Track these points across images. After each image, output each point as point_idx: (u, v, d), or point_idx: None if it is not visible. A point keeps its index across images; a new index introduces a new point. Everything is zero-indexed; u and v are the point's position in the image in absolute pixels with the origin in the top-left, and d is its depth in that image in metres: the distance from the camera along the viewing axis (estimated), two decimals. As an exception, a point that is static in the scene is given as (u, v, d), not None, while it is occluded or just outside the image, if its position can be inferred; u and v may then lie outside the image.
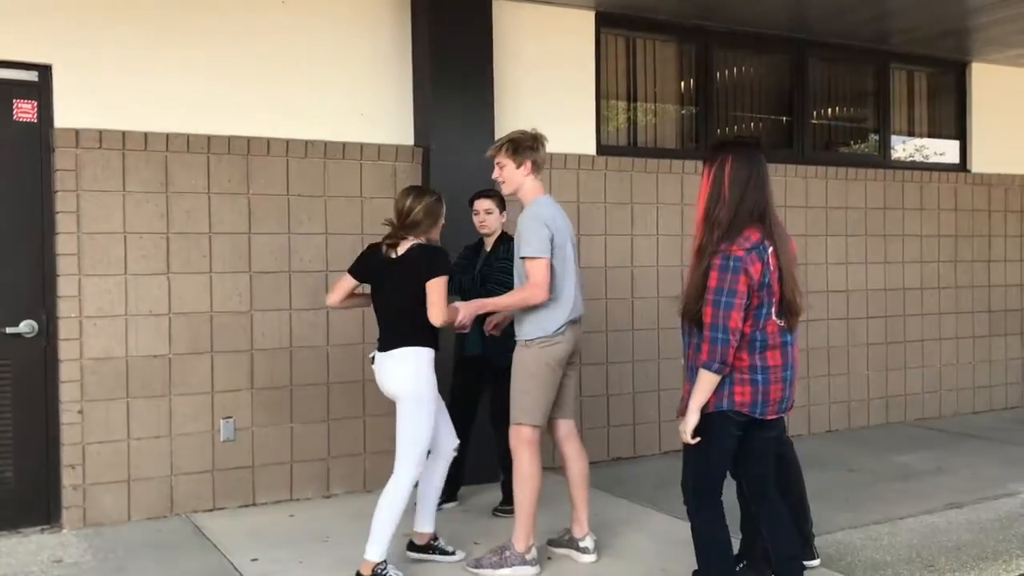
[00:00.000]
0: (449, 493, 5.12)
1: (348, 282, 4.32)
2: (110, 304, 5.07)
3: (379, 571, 3.98)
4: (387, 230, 4.26)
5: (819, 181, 7.36)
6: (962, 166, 8.25)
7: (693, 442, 3.29)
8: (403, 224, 4.14)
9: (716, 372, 3.22)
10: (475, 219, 5.15)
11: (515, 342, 4.33)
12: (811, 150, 7.49)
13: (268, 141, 5.42)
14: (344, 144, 5.62)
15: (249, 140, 5.38)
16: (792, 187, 7.22)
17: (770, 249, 3.26)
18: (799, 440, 7.03)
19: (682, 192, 6.76)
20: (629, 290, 6.57)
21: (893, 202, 7.74)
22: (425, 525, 4.41)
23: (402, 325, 4.09)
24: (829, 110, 7.82)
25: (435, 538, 4.43)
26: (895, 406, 7.77)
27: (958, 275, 8.13)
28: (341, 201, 5.63)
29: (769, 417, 3.35)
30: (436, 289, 4.01)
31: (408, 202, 4.16)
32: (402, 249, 4.14)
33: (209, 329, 5.30)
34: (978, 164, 8.26)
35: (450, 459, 4.40)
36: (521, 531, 4.19)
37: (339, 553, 4.49)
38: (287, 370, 5.49)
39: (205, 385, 5.30)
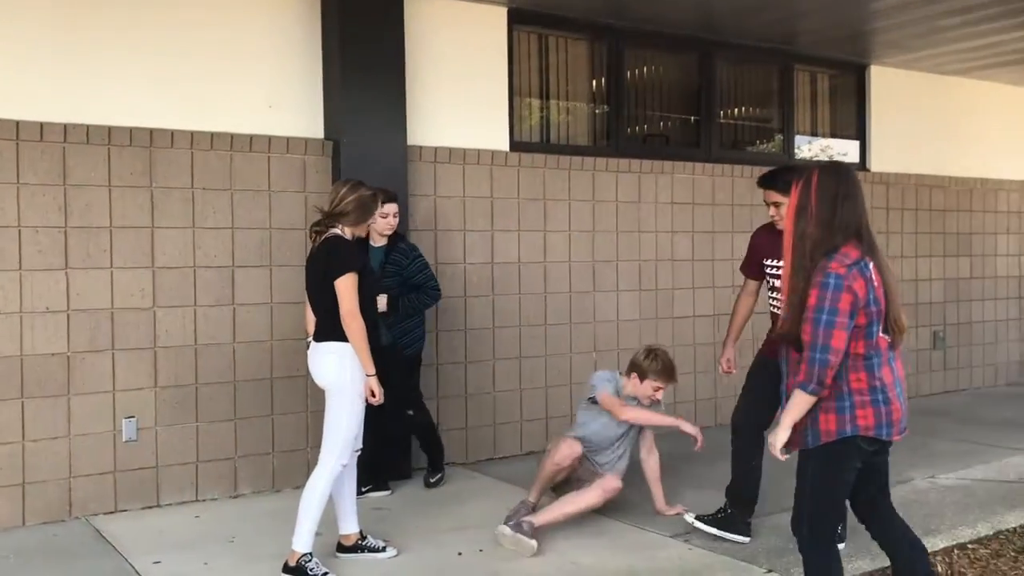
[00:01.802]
0: (377, 481, 5.43)
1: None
2: (4, 301, 4.87)
3: (303, 562, 4.00)
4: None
5: (726, 179, 7.53)
6: (862, 165, 8.55)
7: (783, 457, 3.19)
8: (330, 213, 4.13)
9: (812, 393, 3.07)
10: (382, 220, 5.26)
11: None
12: (718, 149, 7.66)
13: (172, 133, 5.28)
14: (251, 136, 5.51)
15: (152, 132, 5.22)
16: (699, 185, 7.38)
17: (871, 265, 3.13)
18: (707, 432, 7.18)
19: (594, 189, 6.84)
20: (542, 285, 6.61)
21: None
22: (348, 526, 4.37)
23: (327, 318, 4.09)
24: (735, 110, 8.01)
25: (363, 537, 4.39)
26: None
27: (858, 271, 8.40)
28: (248, 195, 5.52)
29: (895, 438, 3.24)
30: (342, 287, 3.99)
31: (342, 191, 4.16)
32: (321, 239, 4.15)
33: (110, 326, 5.13)
34: (877, 164, 8.57)
35: (354, 459, 4.34)
36: None
37: (245, 553, 4.41)
38: (192, 368, 5.36)
39: (106, 384, 5.13)
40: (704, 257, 7.43)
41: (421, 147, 6.07)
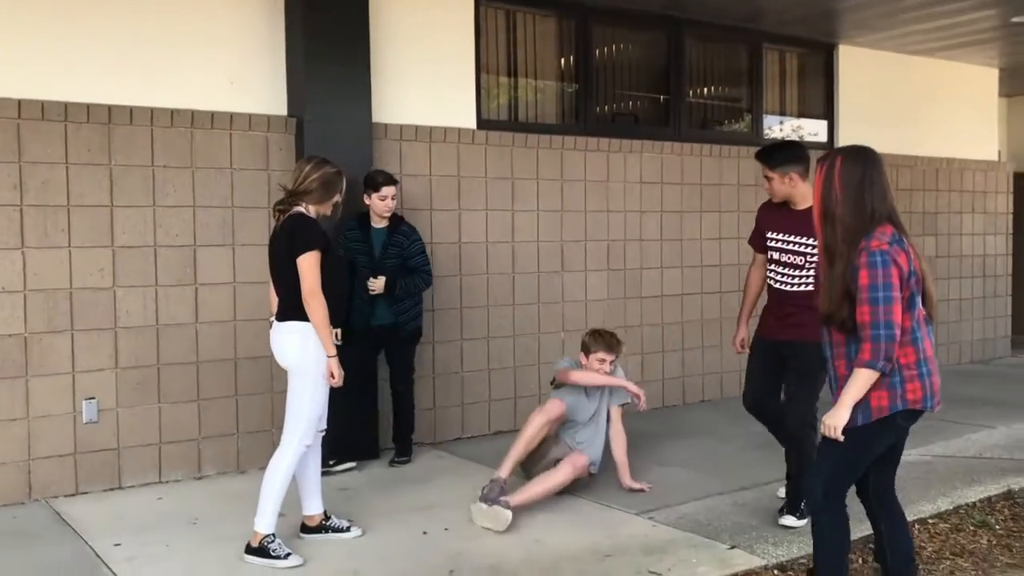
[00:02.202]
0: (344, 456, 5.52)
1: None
2: (-43, 280, 4.78)
3: (266, 543, 3.98)
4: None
5: (694, 159, 7.53)
6: (829, 145, 8.57)
7: (840, 439, 3.17)
8: (294, 191, 4.07)
9: (881, 371, 3.09)
10: (381, 203, 5.43)
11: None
12: (687, 128, 7.64)
13: (131, 109, 5.18)
14: (213, 113, 5.42)
15: (110, 108, 5.12)
16: (668, 164, 7.37)
17: (906, 241, 3.17)
18: (674, 410, 7.27)
19: (562, 168, 6.81)
20: (510, 265, 6.58)
21: (759, 179, 7.97)
22: (312, 507, 4.34)
23: (289, 297, 4.03)
24: (705, 89, 7.99)
25: (327, 517, 4.35)
26: (766, 376, 8.05)
27: (825, 250, 8.45)
28: (210, 173, 5.44)
29: (935, 408, 3.27)
30: (304, 266, 3.94)
31: (306, 169, 4.10)
32: (284, 217, 4.09)
33: (69, 306, 5.05)
34: (844, 142, 8.59)
35: (319, 440, 4.32)
36: None
37: (208, 535, 4.37)
38: (154, 348, 5.29)
39: (65, 365, 5.05)
40: (673, 237, 7.43)
41: (387, 125, 6.00)
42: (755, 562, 3.98)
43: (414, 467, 5.64)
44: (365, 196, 5.47)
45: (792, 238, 4.46)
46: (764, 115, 8.19)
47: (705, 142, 7.62)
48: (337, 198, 4.24)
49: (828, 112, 8.64)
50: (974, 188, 9.80)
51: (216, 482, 5.34)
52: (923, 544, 4.35)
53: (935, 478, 5.25)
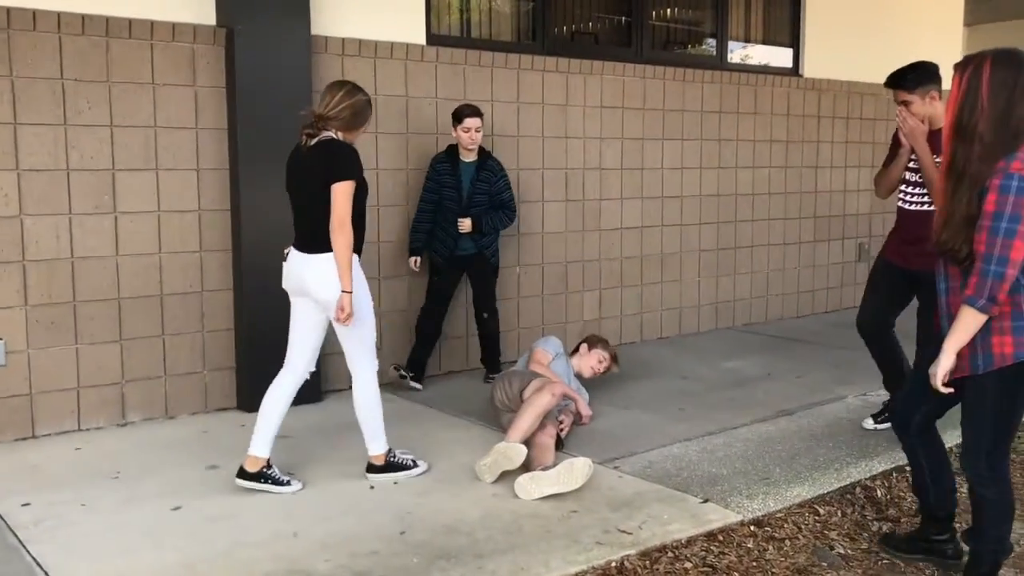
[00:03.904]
0: (418, 374, 5.74)
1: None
2: None
3: (391, 459, 4.12)
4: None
5: (657, 82, 7.10)
6: (794, 71, 8.21)
7: (945, 390, 2.85)
8: (323, 115, 3.85)
9: (981, 311, 2.75)
10: (464, 135, 5.50)
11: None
12: (650, 50, 7.19)
13: (33, 13, 4.56)
14: (130, 21, 4.82)
15: (9, 11, 4.50)
16: (630, 88, 6.93)
17: None
18: (632, 348, 6.98)
19: (518, 89, 6.33)
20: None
21: (729, 106, 7.61)
22: (260, 449, 3.96)
23: (322, 226, 3.80)
24: (668, 11, 7.53)
25: (268, 465, 3.99)
26: (724, 312, 7.80)
27: (788, 181, 8.16)
28: (129, 88, 4.86)
29: None
30: (339, 194, 3.75)
31: (338, 95, 3.87)
32: (314, 141, 3.86)
33: (-32, 237, 4.50)
34: (810, 69, 8.24)
35: (301, 383, 4.08)
36: None
37: (130, 491, 3.95)
38: (69, 284, 4.77)
39: (-34, 302, 4.53)
40: (633, 166, 7.03)
41: (327, 38, 5.45)
42: (730, 517, 3.70)
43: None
44: (452, 129, 5.57)
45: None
46: (728, 40, 7.77)
47: (668, 65, 7.19)
48: (365, 128, 4.04)
49: (794, 39, 8.24)
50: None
51: (142, 429, 4.89)
52: (903, 494, 4.12)
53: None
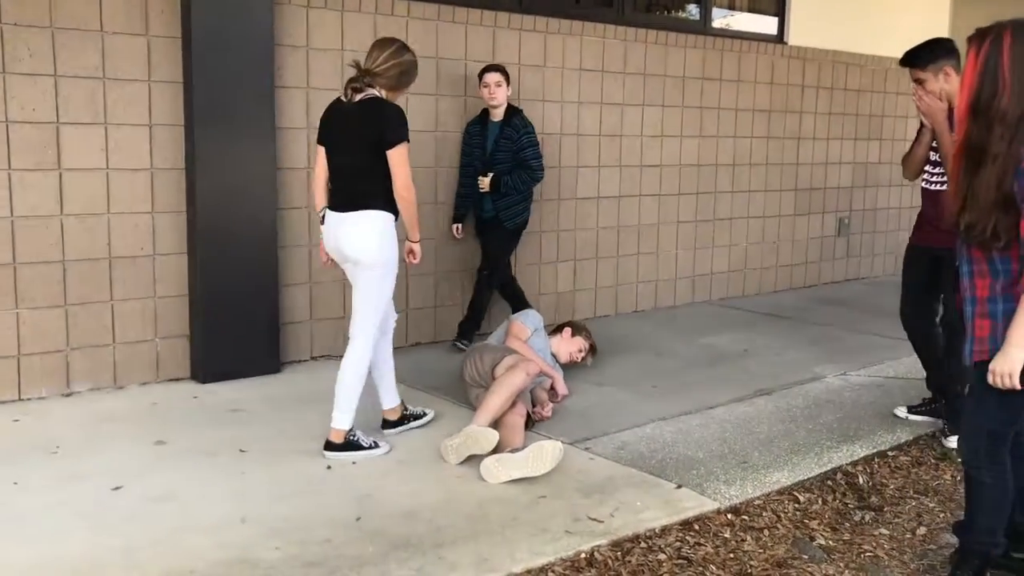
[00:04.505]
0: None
1: (323, 159, 3.93)
2: None
3: (351, 438, 3.87)
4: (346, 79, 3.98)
5: (639, 45, 6.82)
6: (779, 38, 7.96)
7: (1017, 387, 2.60)
8: (371, 71, 3.77)
9: None
10: (485, 92, 5.49)
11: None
12: (632, 12, 6.91)
13: (-32, -50, 4.22)
14: (76, -38, 4.48)
15: (-58, -53, 4.16)
16: (611, 50, 6.65)
17: None
18: (607, 321, 6.77)
19: (494, 48, 6.03)
20: (432, 158, 5.85)
21: (711, 72, 7.35)
22: (391, 401, 4.21)
23: (361, 184, 3.77)
24: (651, -30, 7.24)
25: (405, 408, 4.27)
26: (701, 285, 7.61)
27: (769, 152, 7.94)
28: (74, 35, 4.52)
29: None
30: (399, 157, 3.71)
31: (387, 52, 3.81)
32: (359, 97, 3.78)
33: None
34: (795, 37, 7.99)
35: (392, 330, 4.20)
36: None
37: (69, 468, 3.68)
38: (8, 244, 4.46)
39: None
40: (612, 132, 6.78)
41: (291, -12, 5.14)
42: (707, 505, 3.50)
43: (317, 384, 5.00)
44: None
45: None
46: (713, 5, 7.49)
47: (651, 28, 6.91)
48: (408, 88, 3.97)
49: (780, 5, 7.98)
50: (921, 92, 9.34)
51: (87, 400, 4.62)
52: (885, 480, 3.95)
53: (890, 403, 4.85)
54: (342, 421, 3.87)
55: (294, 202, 5.28)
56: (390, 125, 3.69)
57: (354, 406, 3.88)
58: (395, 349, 5.62)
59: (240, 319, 4.98)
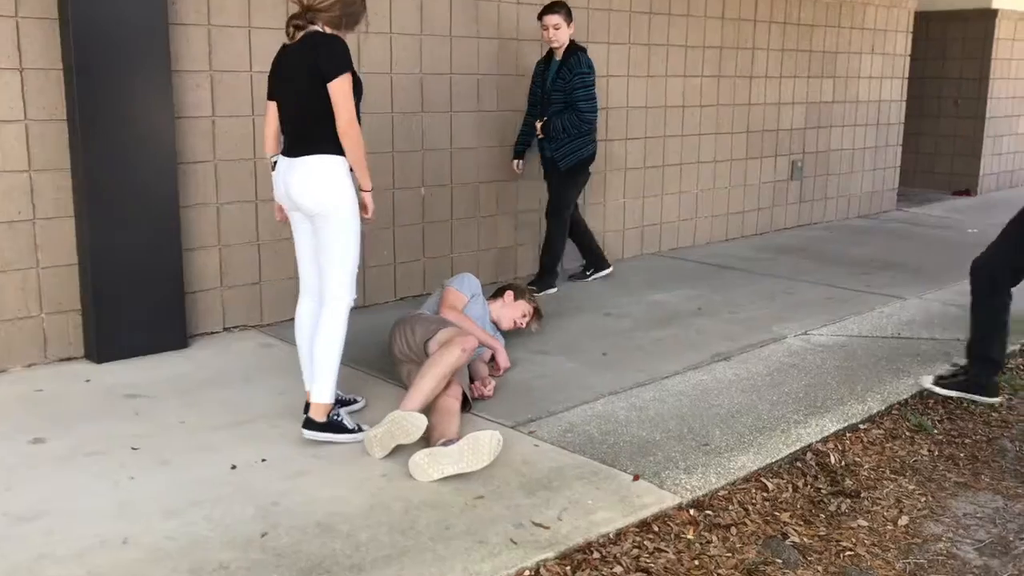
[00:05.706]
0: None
1: (273, 110, 3.55)
2: None
3: (333, 417, 3.48)
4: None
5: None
6: (732, -31, 7.45)
7: None
8: (312, 7, 3.41)
9: None
10: (544, 33, 5.53)
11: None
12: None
13: None
14: None
15: None
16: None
17: None
18: (581, 284, 6.29)
19: (421, -20, 5.43)
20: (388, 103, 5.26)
21: (659, 7, 6.83)
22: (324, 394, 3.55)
23: (311, 126, 3.40)
24: None
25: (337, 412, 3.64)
26: (650, 236, 7.18)
27: (720, 92, 7.48)
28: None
29: None
30: (338, 90, 3.31)
31: None
32: (300, 35, 3.42)
33: None
34: (747, -32, 7.50)
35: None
36: None
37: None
38: None
39: None
40: (553, 72, 6.23)
41: (184, -92, 4.46)
42: (666, 500, 3.09)
43: (231, 360, 4.48)
44: None
45: None
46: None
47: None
48: (358, 27, 3.57)
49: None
50: (875, 26, 8.95)
51: (-40, 388, 4.04)
52: (858, 459, 3.59)
53: (857, 366, 4.51)
54: (324, 394, 3.45)
55: (198, 156, 4.69)
56: (329, 56, 3.32)
57: (334, 373, 3.47)
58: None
59: (139, 289, 4.41)
